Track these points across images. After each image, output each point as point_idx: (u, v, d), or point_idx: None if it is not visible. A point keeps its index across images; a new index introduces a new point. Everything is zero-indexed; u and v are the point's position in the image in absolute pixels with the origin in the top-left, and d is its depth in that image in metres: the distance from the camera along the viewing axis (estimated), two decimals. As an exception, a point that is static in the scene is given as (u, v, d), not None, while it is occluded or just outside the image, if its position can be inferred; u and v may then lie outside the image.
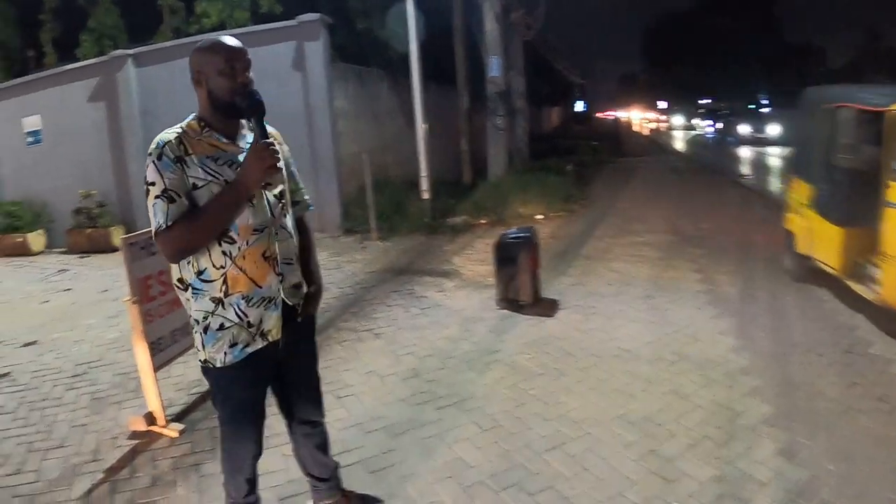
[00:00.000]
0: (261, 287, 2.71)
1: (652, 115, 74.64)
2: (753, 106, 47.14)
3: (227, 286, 2.66)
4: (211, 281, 2.66)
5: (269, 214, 2.73)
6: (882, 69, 49.94)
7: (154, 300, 4.60)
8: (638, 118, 76.64)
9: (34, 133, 13.33)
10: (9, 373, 6.07)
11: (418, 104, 11.42)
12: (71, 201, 12.18)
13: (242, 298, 2.68)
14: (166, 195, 2.50)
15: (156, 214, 2.53)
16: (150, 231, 4.33)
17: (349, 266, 9.09)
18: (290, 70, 11.48)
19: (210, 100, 2.65)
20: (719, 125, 39.58)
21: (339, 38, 12.38)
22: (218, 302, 2.67)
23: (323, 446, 3.25)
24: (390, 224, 11.18)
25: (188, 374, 5.42)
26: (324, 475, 3.27)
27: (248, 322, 2.71)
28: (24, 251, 12.46)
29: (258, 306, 2.72)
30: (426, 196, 11.61)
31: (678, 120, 55.80)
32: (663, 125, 60.23)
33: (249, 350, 2.73)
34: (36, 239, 12.64)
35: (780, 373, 5.02)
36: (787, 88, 52.31)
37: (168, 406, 4.65)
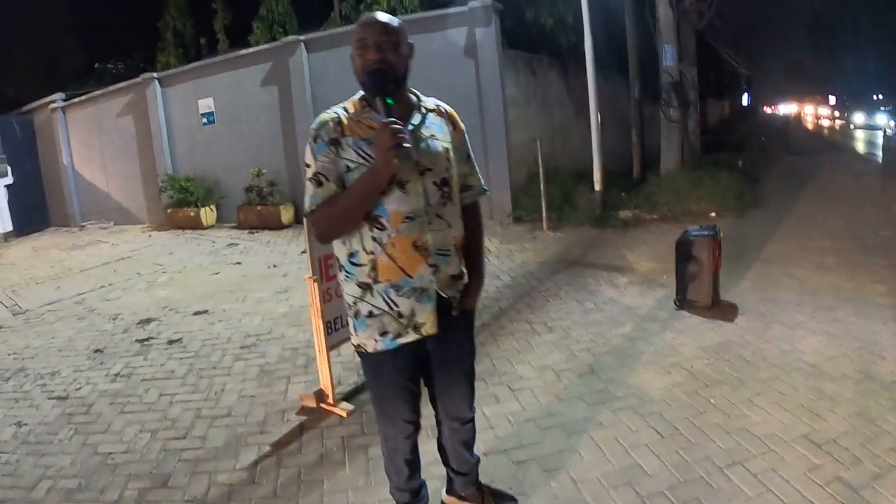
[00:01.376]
0: (411, 277, 2.53)
1: (824, 110, 70.17)
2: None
3: (375, 272, 2.53)
4: (360, 265, 2.55)
5: (424, 202, 2.52)
6: None
7: (333, 279, 4.44)
8: (809, 113, 72.25)
9: (208, 114, 13.90)
10: (180, 339, 6.16)
11: (593, 94, 10.89)
12: (242, 179, 12.58)
13: (391, 287, 2.53)
14: (316, 178, 2.46)
15: (305, 197, 2.51)
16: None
17: (520, 255, 8.74)
18: (462, 56, 11.28)
19: (357, 77, 2.52)
20: None
21: (508, 25, 12.12)
22: (366, 287, 2.56)
23: (468, 443, 3.08)
24: (559, 214, 10.73)
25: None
26: (462, 469, 3.13)
27: (399, 312, 2.55)
28: (195, 225, 12.99)
29: (409, 297, 2.55)
30: (598, 188, 11.10)
31: (857, 117, 49.76)
32: (838, 122, 55.95)
33: (401, 341, 2.59)
34: (207, 213, 13.17)
35: (970, 404, 4.34)
36: None
37: (337, 385, 4.45)
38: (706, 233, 6.31)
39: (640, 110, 14.89)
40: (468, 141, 2.80)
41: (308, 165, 2.48)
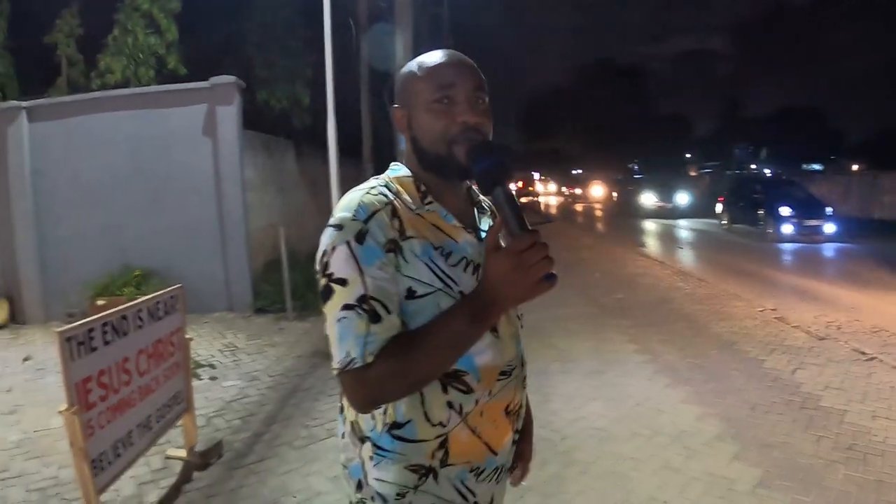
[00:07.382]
0: (496, 454, 1.74)
1: (541, 186, 74.63)
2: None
3: (446, 453, 1.66)
4: (416, 441, 1.64)
5: (517, 349, 1.79)
6: (741, 136, 55.74)
7: (94, 407, 3.70)
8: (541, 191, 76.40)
9: None
10: None
11: (335, 177, 10.89)
12: (-47, 270, 10.84)
13: (471, 472, 1.70)
14: (366, 307, 1.49)
15: (342, 337, 1.51)
16: (89, 323, 3.53)
17: (272, 350, 8.24)
18: (200, 135, 10.72)
19: (416, 151, 1.71)
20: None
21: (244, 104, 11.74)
22: (426, 473, 1.66)
23: None
24: (304, 302, 10.43)
25: (122, 489, 4.52)
26: None
27: (476, 503, 1.75)
28: None
29: (489, 480, 1.76)
30: (340, 273, 10.91)
31: (647, 197, 36.14)
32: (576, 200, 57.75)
33: None
34: None
35: (753, 435, 5.21)
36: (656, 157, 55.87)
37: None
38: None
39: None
40: None
41: (343, 282, 1.50)
